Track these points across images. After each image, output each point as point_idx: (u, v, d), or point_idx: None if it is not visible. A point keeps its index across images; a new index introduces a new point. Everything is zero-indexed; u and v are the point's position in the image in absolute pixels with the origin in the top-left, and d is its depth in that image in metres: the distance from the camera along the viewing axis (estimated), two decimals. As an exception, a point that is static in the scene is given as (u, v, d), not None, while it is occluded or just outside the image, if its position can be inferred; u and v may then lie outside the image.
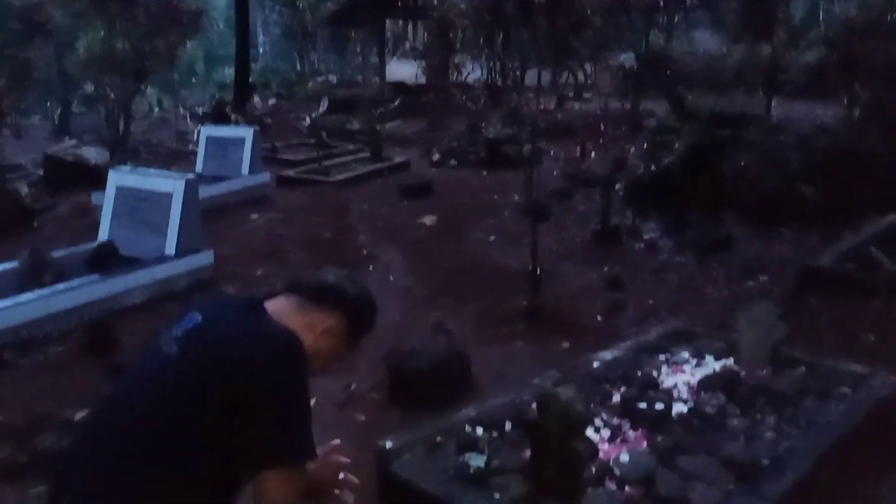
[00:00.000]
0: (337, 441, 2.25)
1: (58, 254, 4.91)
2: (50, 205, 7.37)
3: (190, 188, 4.95)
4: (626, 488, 2.39)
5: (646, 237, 6.30)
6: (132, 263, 4.78)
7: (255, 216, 7.01)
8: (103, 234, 5.11)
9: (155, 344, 1.92)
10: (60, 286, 4.38)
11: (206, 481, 1.78)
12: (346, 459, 2.19)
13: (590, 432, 2.59)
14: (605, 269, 5.57)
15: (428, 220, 6.91)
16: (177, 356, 1.82)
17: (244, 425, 1.74)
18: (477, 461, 2.45)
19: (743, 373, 3.19)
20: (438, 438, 2.67)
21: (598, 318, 4.66)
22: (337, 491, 2.12)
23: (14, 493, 2.94)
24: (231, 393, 1.74)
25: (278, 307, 1.95)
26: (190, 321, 1.89)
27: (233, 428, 1.74)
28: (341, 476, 2.14)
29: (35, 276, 4.54)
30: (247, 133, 7.60)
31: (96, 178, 5.95)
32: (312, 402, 3.74)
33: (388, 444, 2.57)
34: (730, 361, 3.32)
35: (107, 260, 4.78)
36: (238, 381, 1.75)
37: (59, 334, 4.20)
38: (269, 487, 1.80)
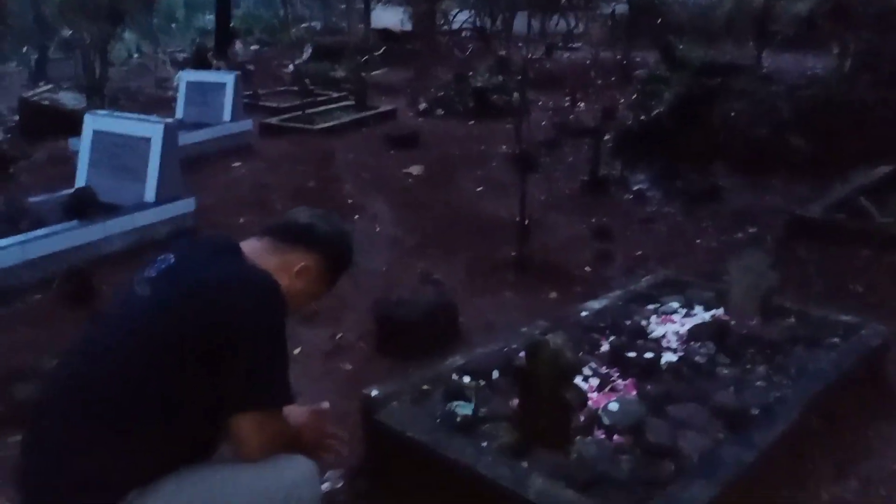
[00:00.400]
0: (326, 404, 2.20)
1: (35, 200, 4.79)
2: (26, 152, 7.19)
3: (169, 133, 4.81)
4: (616, 436, 2.37)
5: (635, 188, 6.24)
6: (111, 210, 4.66)
7: (237, 164, 6.87)
8: (81, 181, 4.98)
9: (128, 286, 1.85)
10: (37, 232, 4.27)
11: (180, 426, 1.73)
12: (329, 425, 2.15)
13: (578, 381, 2.56)
14: (594, 219, 5.51)
15: (415, 169, 6.80)
16: (149, 298, 1.75)
17: (218, 368, 1.69)
18: (464, 409, 2.42)
19: (733, 322, 3.16)
20: (425, 387, 2.63)
21: (587, 268, 4.62)
22: (325, 454, 2.09)
23: (-8, 442, 2.88)
24: (204, 336, 1.68)
25: (252, 249, 1.88)
26: (163, 262, 1.83)
27: (206, 371, 1.68)
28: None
29: (11, 222, 4.42)
30: (228, 78, 7.41)
31: (74, 124, 5.77)
32: (298, 351, 3.73)
33: (374, 393, 2.53)
34: (720, 311, 3.29)
35: (85, 206, 4.66)
36: (212, 325, 1.69)
37: (36, 283, 4.10)
38: (244, 431, 1.75)
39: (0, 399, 3.12)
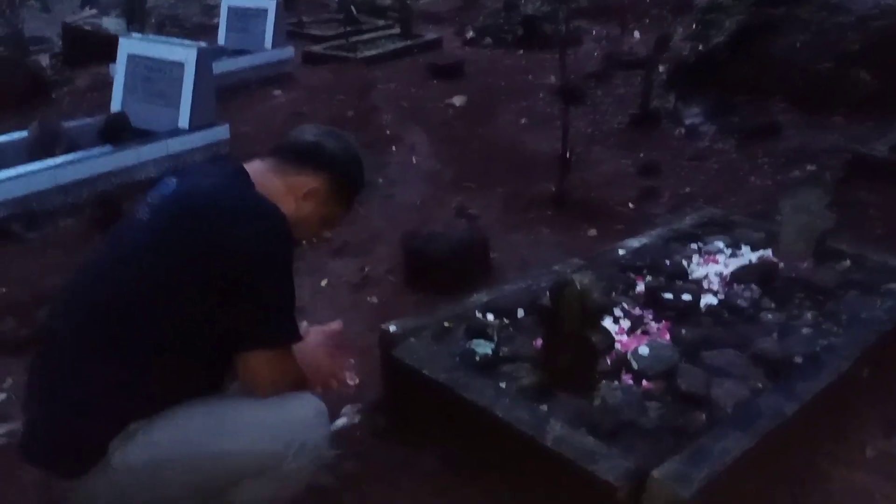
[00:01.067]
0: (338, 322, 2.11)
1: (69, 125, 4.74)
2: (69, 77, 7.16)
3: (203, 58, 4.68)
4: (644, 382, 2.22)
5: (687, 122, 5.92)
6: (144, 136, 4.60)
7: (277, 92, 6.74)
8: (116, 106, 4.92)
9: (131, 212, 1.77)
10: (70, 157, 4.23)
11: (182, 357, 1.65)
12: (344, 344, 2.06)
13: (608, 323, 2.41)
14: (641, 154, 5.26)
15: (457, 100, 6.58)
16: (147, 223, 1.66)
17: (218, 301, 1.59)
18: (484, 348, 2.29)
19: (781, 264, 2.96)
20: (447, 324, 2.51)
21: (630, 205, 4.41)
22: (337, 381, 2.00)
23: (17, 366, 2.88)
24: (202, 266, 1.58)
25: (257, 171, 1.76)
26: (166, 186, 1.73)
27: (205, 302, 1.59)
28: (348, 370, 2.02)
29: (45, 147, 4.39)
30: (269, 4, 7.20)
31: (114, 50, 5.69)
32: (325, 282, 3.65)
33: (392, 328, 2.42)
34: (768, 252, 3.08)
35: (118, 132, 4.61)
36: (210, 255, 1.58)
37: (68, 207, 4.08)
38: (252, 369, 1.67)
39: (26, 322, 3.12)
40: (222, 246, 1.57)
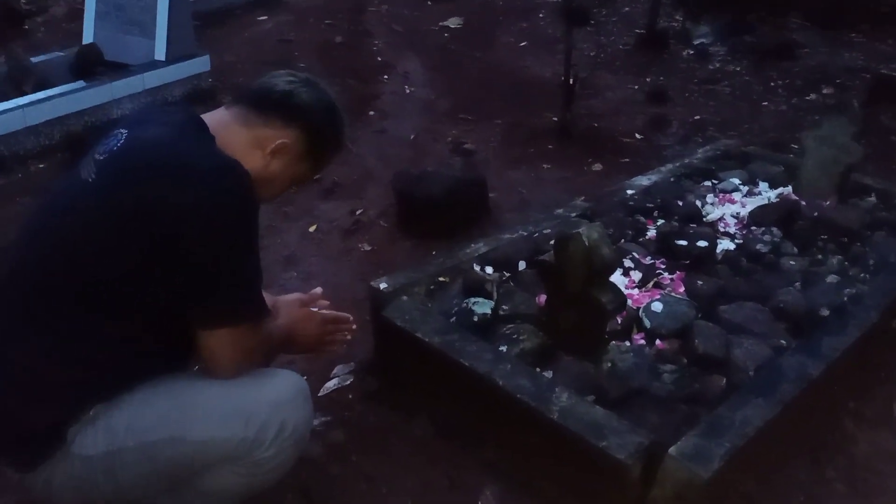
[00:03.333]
0: (318, 289, 1.94)
1: (38, 59, 4.44)
2: (43, 5, 6.77)
3: (178, -19, 4.34)
4: (658, 342, 2.04)
5: (696, 43, 5.60)
6: (119, 70, 4.30)
7: (263, 18, 6.37)
8: (88, 37, 4.59)
9: (75, 168, 1.54)
10: (39, 95, 3.94)
11: (137, 333, 1.46)
12: (325, 311, 1.88)
13: (618, 276, 2.21)
14: (648, 79, 4.97)
15: (453, 22, 6.23)
16: (93, 184, 1.44)
17: (170, 271, 1.38)
18: (483, 308, 2.10)
19: (803, 203, 2.74)
20: (441, 278, 2.31)
21: (638, 136, 4.15)
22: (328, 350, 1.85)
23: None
24: (152, 229, 1.37)
25: (219, 122, 1.52)
26: (114, 140, 1.50)
27: (157, 273, 1.39)
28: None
29: (13, 84, 4.11)
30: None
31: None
32: (314, 228, 3.42)
33: (383, 285, 2.22)
34: (788, 189, 2.86)
35: (91, 66, 4.30)
36: (161, 216, 1.37)
37: (39, 150, 3.83)
38: (210, 349, 1.48)
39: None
40: (172, 207, 1.35)
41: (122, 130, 1.51)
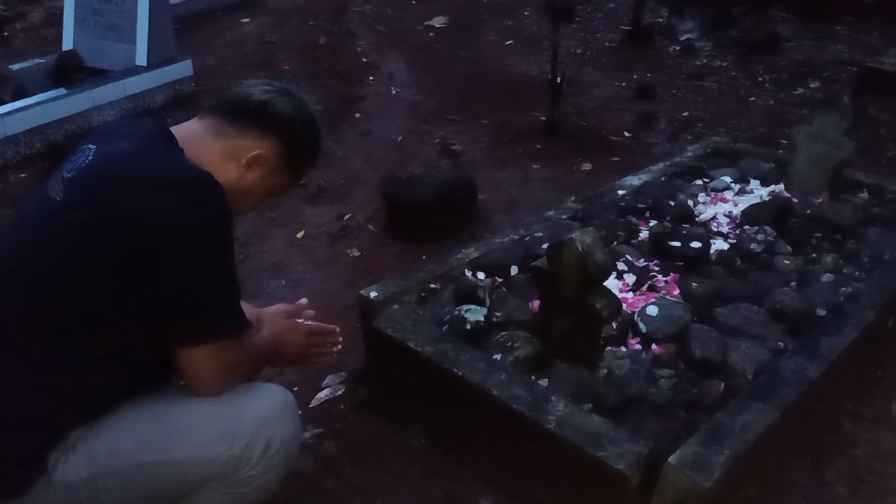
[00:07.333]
0: (304, 300, 1.90)
1: (17, 67, 4.37)
2: (21, 12, 6.67)
3: (157, -15, 4.28)
4: (654, 347, 2.00)
5: (682, 38, 5.58)
6: (100, 76, 4.23)
7: (245, 20, 6.31)
8: (67, 44, 4.53)
9: (42, 187, 1.48)
10: (18, 104, 3.88)
11: (114, 354, 1.41)
12: (311, 322, 1.84)
13: (611, 280, 2.17)
14: (635, 76, 4.95)
15: (437, 21, 6.19)
16: (61, 203, 1.38)
17: (144, 289, 1.33)
18: (475, 315, 2.06)
19: (795, 200, 2.71)
20: (432, 285, 2.27)
21: (626, 133, 4.12)
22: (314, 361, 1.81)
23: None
24: (124, 247, 1.32)
25: (190, 134, 1.47)
26: (82, 156, 1.44)
27: (131, 292, 1.34)
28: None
29: (-10, 93, 4.05)
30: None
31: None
32: (301, 234, 3.37)
33: (373, 294, 2.17)
34: (780, 187, 2.84)
35: (71, 73, 4.24)
36: (132, 233, 1.32)
37: (20, 159, 3.76)
38: (191, 367, 1.43)
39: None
40: (149, 219, 1.30)
41: (90, 146, 1.46)
